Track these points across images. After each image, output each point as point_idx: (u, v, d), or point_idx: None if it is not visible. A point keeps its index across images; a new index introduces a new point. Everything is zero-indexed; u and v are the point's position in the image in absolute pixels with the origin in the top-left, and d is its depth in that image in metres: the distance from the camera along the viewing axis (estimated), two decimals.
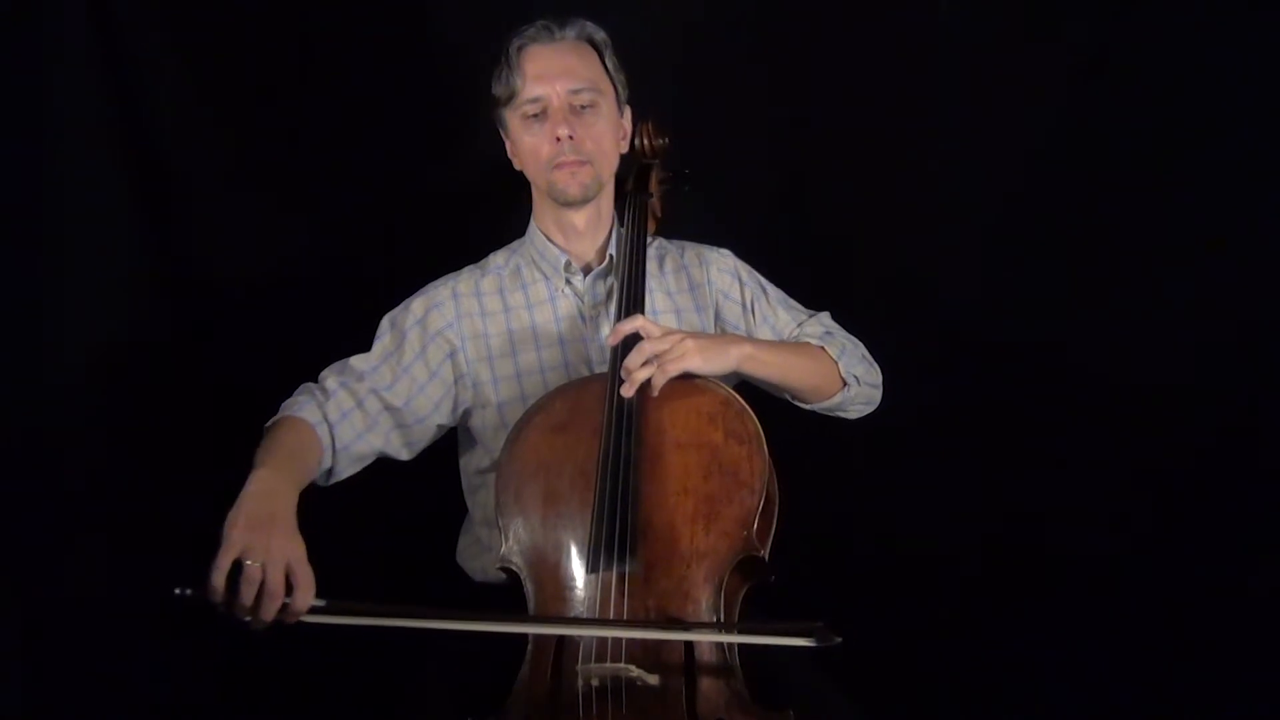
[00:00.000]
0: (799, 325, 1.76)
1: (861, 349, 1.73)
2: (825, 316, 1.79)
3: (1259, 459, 2.07)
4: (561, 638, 1.38)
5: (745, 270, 1.81)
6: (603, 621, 1.35)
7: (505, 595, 1.46)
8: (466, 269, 1.76)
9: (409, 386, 1.63)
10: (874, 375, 1.72)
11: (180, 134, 2.00)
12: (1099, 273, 2.12)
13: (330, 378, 1.61)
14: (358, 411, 1.59)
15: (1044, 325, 2.14)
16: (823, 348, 1.67)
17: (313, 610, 1.28)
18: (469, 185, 2.10)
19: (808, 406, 1.68)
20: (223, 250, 2.05)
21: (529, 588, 1.42)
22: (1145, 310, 2.11)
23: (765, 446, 1.46)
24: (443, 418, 1.67)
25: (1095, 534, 2.11)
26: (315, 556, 1.30)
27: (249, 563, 1.24)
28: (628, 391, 1.47)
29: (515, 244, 1.79)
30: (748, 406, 1.50)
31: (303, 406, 1.55)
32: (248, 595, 1.24)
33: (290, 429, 1.51)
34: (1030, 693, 2.04)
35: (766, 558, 1.43)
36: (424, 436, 1.66)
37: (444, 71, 2.08)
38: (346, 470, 1.60)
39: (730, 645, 1.35)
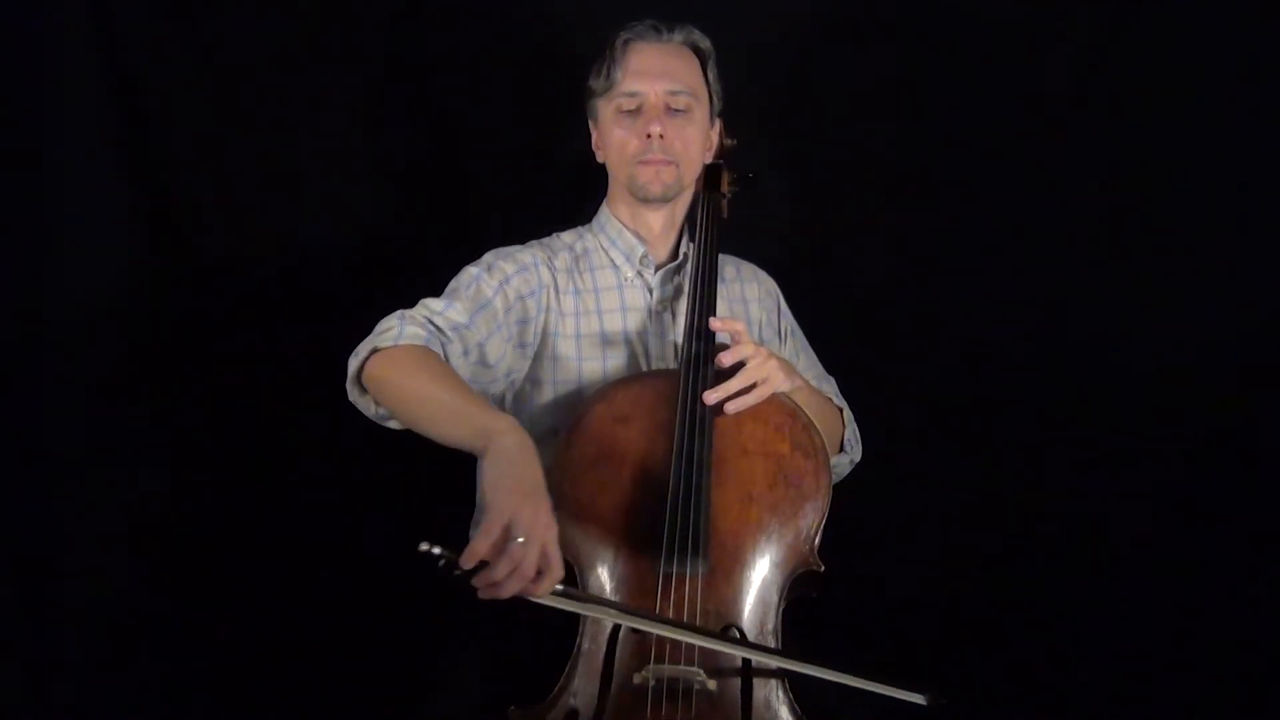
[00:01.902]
0: (816, 380, 1.78)
1: (856, 431, 1.77)
2: (834, 382, 1.82)
3: (1262, 468, 2.09)
4: (616, 636, 1.35)
5: (784, 306, 1.86)
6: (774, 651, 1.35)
7: None
8: (533, 243, 1.72)
9: (499, 345, 1.57)
10: (858, 452, 1.77)
11: (178, 123, 1.97)
12: (1101, 279, 2.14)
13: (441, 316, 1.49)
14: (464, 359, 1.51)
15: (1043, 329, 2.16)
16: (841, 410, 1.73)
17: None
18: (472, 176, 2.08)
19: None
20: (222, 241, 2.01)
21: (583, 578, 1.40)
22: (1146, 315, 2.13)
23: (830, 463, 1.48)
24: (500, 379, 1.60)
25: (1094, 537, 2.14)
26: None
27: (514, 538, 1.16)
28: (713, 399, 1.44)
29: (580, 228, 1.77)
30: (813, 420, 1.51)
31: (430, 341, 1.44)
32: (503, 572, 1.15)
33: (445, 367, 1.42)
34: (1051, 701, 2.07)
35: (822, 574, 1.43)
36: (488, 387, 1.59)
37: (446, 63, 2.07)
38: None
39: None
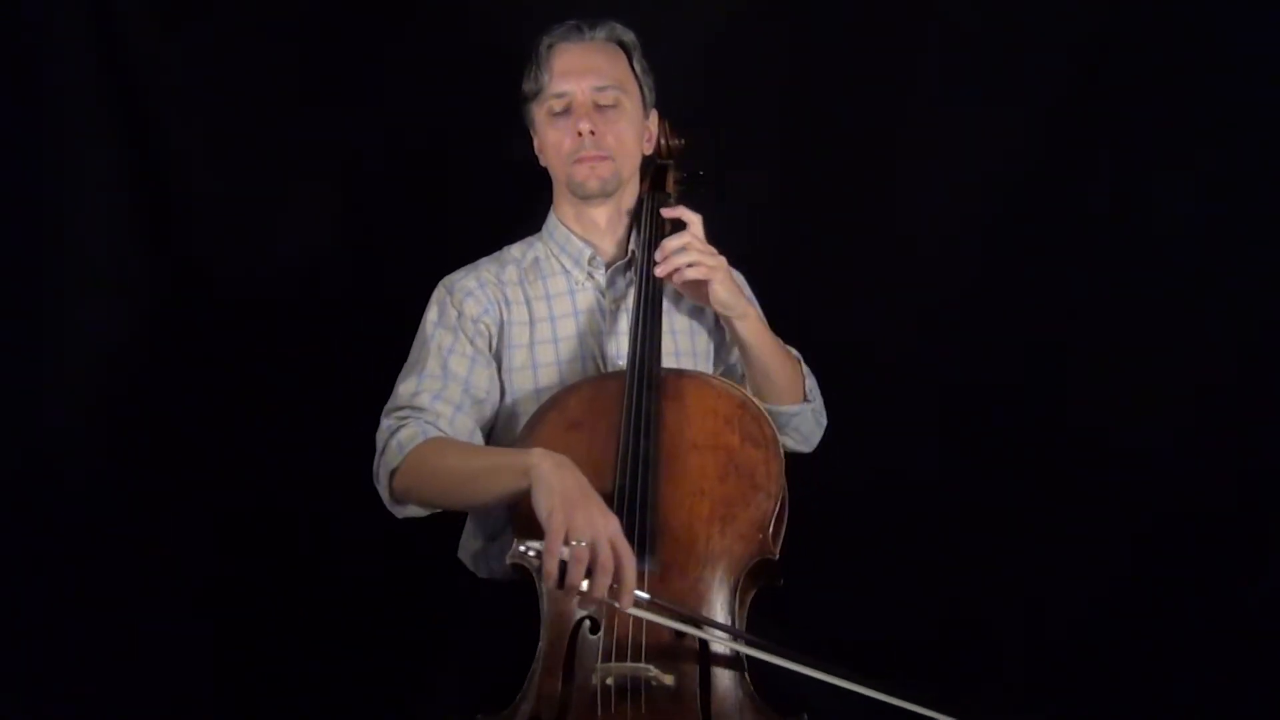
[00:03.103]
0: None
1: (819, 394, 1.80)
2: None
3: (1262, 468, 2.09)
4: (575, 637, 1.37)
5: (749, 293, 1.84)
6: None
7: (512, 593, 1.45)
8: (483, 260, 1.75)
9: (481, 375, 1.63)
10: (823, 415, 1.78)
11: (178, 123, 1.99)
12: (1100, 278, 2.14)
13: (417, 398, 1.57)
14: (459, 414, 1.58)
15: (1043, 329, 2.16)
16: (799, 360, 1.75)
17: (637, 603, 1.29)
18: (471, 185, 2.10)
19: (766, 406, 1.65)
20: (224, 248, 2.04)
21: (542, 587, 1.41)
22: (1146, 314, 2.13)
23: (781, 451, 1.48)
24: (497, 395, 1.66)
25: (1093, 536, 2.14)
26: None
27: (576, 543, 1.25)
28: (662, 271, 1.58)
29: (531, 238, 1.79)
30: (764, 410, 1.52)
31: (425, 432, 1.52)
32: (577, 575, 1.25)
33: (448, 441, 1.52)
34: (1033, 692, 2.07)
35: (779, 561, 1.44)
36: (490, 416, 1.66)
37: (445, 71, 2.08)
38: None
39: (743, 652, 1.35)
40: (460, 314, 1.65)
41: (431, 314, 1.67)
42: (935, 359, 2.18)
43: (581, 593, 1.27)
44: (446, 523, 1.79)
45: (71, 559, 1.88)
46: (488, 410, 1.63)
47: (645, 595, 1.30)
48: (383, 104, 2.08)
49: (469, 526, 1.76)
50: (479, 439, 1.60)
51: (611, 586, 1.27)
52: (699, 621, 1.34)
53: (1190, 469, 2.10)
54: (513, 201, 2.03)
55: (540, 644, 1.37)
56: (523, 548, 1.28)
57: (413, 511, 1.54)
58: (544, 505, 1.30)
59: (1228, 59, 2.05)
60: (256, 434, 2.04)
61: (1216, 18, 2.05)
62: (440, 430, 1.54)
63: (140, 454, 1.92)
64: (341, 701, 1.92)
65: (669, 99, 1.80)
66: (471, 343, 1.64)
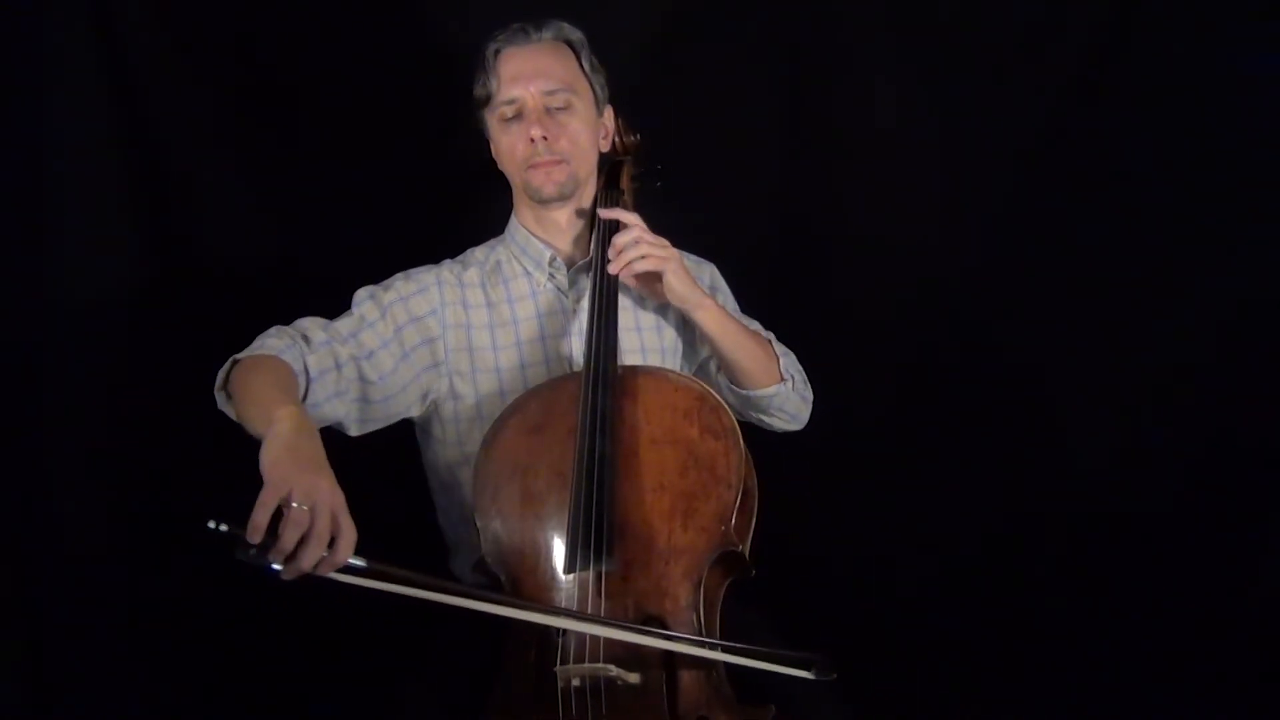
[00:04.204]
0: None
1: (800, 368, 1.77)
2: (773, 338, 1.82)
3: (1261, 467, 2.07)
4: (544, 638, 1.37)
5: (720, 280, 1.86)
6: (612, 623, 1.33)
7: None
8: (446, 261, 1.75)
9: (385, 361, 1.58)
10: (808, 390, 1.76)
11: (178, 123, 2.00)
12: (1099, 277, 2.13)
13: (315, 330, 1.54)
14: (334, 373, 1.53)
15: (1042, 328, 2.16)
16: (769, 341, 1.73)
17: (350, 569, 1.22)
18: (456, 182, 2.08)
19: (743, 392, 1.68)
20: (222, 241, 2.04)
21: (508, 589, 1.42)
22: (1145, 313, 2.11)
23: (741, 441, 1.47)
24: (407, 403, 1.62)
25: (1092, 536, 2.13)
26: None
27: (296, 504, 1.17)
28: (614, 269, 1.57)
29: (493, 241, 1.79)
30: (723, 401, 1.50)
31: (286, 351, 1.48)
32: (290, 539, 1.16)
33: (282, 370, 1.45)
34: (1016, 693, 2.05)
35: (746, 553, 1.43)
36: (379, 417, 1.61)
37: (434, 69, 2.07)
38: None
39: (714, 646, 1.35)
40: (402, 302, 1.63)
41: (374, 289, 1.65)
42: (934, 357, 2.17)
43: (288, 560, 1.17)
44: (430, 529, 1.81)
45: (68, 557, 1.89)
46: (372, 394, 1.57)
47: (362, 561, 1.22)
48: (379, 99, 2.08)
49: (455, 544, 1.76)
50: (337, 405, 1.53)
51: (322, 561, 1.19)
52: (432, 586, 1.28)
53: (1190, 469, 2.09)
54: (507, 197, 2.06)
55: (506, 646, 1.38)
56: (212, 524, 1.14)
57: (229, 411, 1.47)
58: (268, 459, 1.22)
59: (1228, 56, 2.04)
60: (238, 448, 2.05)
61: (1217, 17, 2.03)
62: (304, 365, 1.49)
63: (139, 452, 1.93)
64: (313, 706, 1.92)
65: (623, 94, 1.79)
66: (396, 331, 1.60)
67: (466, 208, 2.08)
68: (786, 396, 1.70)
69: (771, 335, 1.78)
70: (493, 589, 1.42)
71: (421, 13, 2.08)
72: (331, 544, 1.19)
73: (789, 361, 1.73)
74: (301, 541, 1.17)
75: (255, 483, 1.16)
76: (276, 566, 1.18)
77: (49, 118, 1.88)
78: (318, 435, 1.30)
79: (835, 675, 1.29)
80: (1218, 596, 2.05)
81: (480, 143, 2.01)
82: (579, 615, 1.35)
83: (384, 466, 1.74)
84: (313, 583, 1.21)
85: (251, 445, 1.27)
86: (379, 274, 1.71)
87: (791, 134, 2.17)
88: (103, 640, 1.88)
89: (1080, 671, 2.07)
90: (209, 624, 1.94)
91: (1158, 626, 2.06)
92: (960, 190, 2.14)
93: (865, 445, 2.13)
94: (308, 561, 1.18)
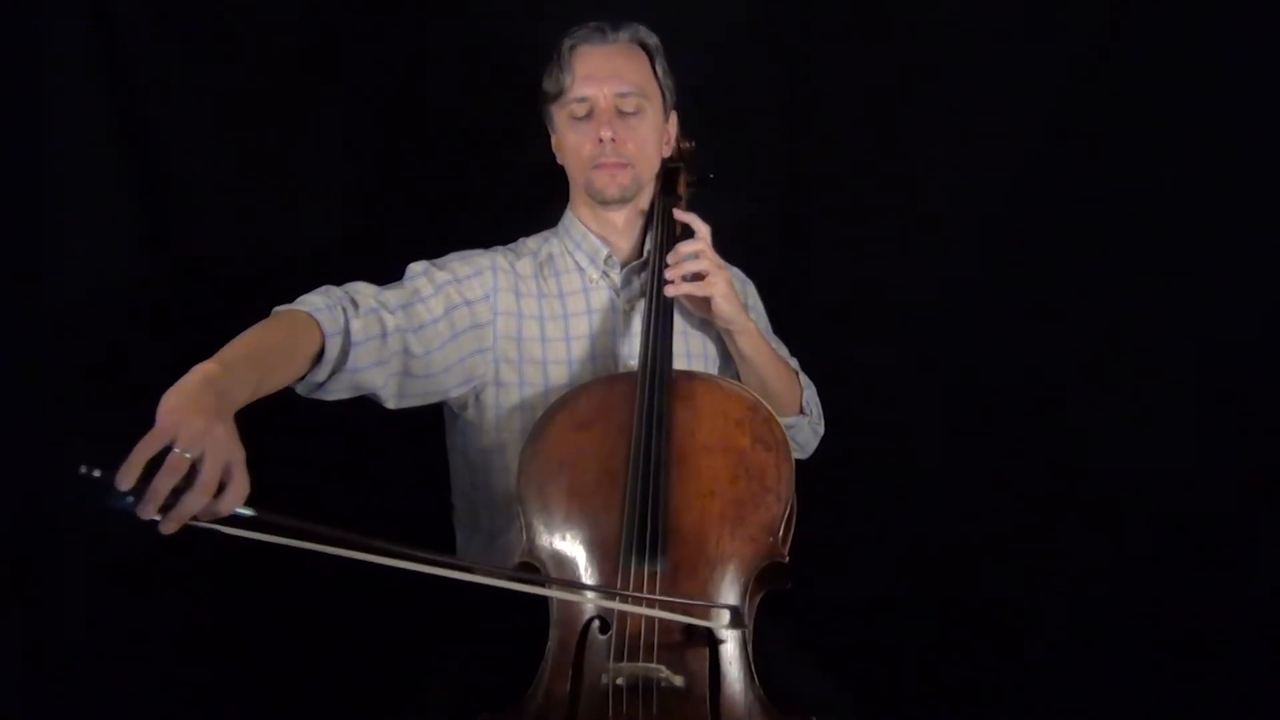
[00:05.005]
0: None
1: (819, 402, 1.81)
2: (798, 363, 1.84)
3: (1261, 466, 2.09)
4: (585, 637, 1.36)
5: (754, 297, 1.87)
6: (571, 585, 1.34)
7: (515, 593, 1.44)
8: (498, 248, 1.73)
9: (433, 339, 1.54)
10: (821, 425, 1.79)
11: (178, 122, 1.98)
12: (1099, 277, 2.15)
13: (365, 295, 1.49)
14: (379, 342, 1.47)
15: (1035, 331, 2.17)
16: (797, 373, 1.76)
17: (236, 519, 1.12)
18: (459, 182, 2.09)
19: None
20: (222, 240, 2.02)
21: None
22: (1145, 314, 2.13)
23: (791, 454, 1.48)
24: (449, 384, 1.58)
25: (1092, 536, 2.15)
26: None
27: (178, 450, 1.08)
28: (673, 274, 1.59)
29: (546, 232, 1.78)
30: (774, 413, 1.52)
31: (324, 311, 1.41)
32: (164, 485, 1.07)
33: (291, 329, 1.39)
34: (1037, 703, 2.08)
35: (788, 565, 1.44)
36: (417, 393, 1.56)
37: (435, 67, 2.09)
38: (337, 392, 1.46)
39: (750, 653, 1.35)
40: (457, 283, 1.60)
41: (428, 264, 1.61)
42: (936, 359, 2.19)
43: (164, 509, 1.09)
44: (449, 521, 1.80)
45: (68, 557, 1.85)
46: (414, 369, 1.53)
47: (249, 511, 1.13)
48: (379, 99, 2.07)
49: (464, 526, 1.75)
50: (376, 374, 1.47)
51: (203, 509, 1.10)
52: (352, 545, 1.19)
53: (1190, 468, 2.10)
54: (515, 200, 2.05)
55: (549, 644, 1.37)
56: (84, 468, 1.07)
57: None
58: (163, 405, 1.13)
59: (1228, 55, 2.06)
60: (256, 431, 2.01)
61: (1217, 16, 2.05)
62: (345, 327, 1.43)
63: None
64: (341, 700, 1.91)
65: (680, 101, 1.80)
66: (447, 311, 1.56)
67: (467, 208, 2.09)
68: (801, 428, 1.73)
69: (797, 363, 1.80)
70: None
71: (421, 12, 2.07)
72: (220, 495, 1.11)
73: (810, 394, 1.77)
74: (178, 490, 1.08)
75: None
76: (156, 518, 1.09)
77: (48, 117, 1.86)
78: (234, 390, 1.21)
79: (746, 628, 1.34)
80: (1218, 596, 2.07)
81: (481, 142, 2.03)
82: (533, 579, 1.37)
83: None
84: (197, 536, 1.12)
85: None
86: (379, 274, 1.71)
87: (792, 134, 2.20)
88: (103, 640, 1.85)
89: (1098, 679, 2.11)
90: (209, 625, 1.94)
91: (1158, 626, 2.09)
92: (962, 191, 2.16)
93: (865, 444, 2.13)
94: (186, 509, 1.09)
